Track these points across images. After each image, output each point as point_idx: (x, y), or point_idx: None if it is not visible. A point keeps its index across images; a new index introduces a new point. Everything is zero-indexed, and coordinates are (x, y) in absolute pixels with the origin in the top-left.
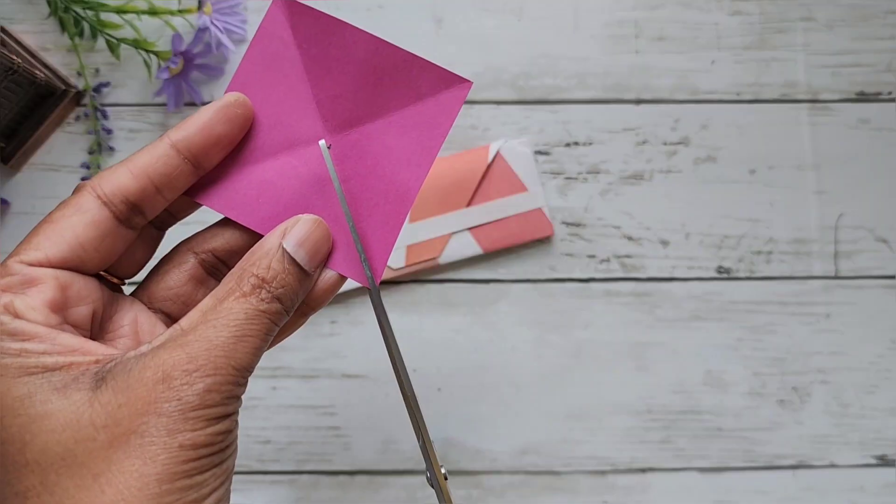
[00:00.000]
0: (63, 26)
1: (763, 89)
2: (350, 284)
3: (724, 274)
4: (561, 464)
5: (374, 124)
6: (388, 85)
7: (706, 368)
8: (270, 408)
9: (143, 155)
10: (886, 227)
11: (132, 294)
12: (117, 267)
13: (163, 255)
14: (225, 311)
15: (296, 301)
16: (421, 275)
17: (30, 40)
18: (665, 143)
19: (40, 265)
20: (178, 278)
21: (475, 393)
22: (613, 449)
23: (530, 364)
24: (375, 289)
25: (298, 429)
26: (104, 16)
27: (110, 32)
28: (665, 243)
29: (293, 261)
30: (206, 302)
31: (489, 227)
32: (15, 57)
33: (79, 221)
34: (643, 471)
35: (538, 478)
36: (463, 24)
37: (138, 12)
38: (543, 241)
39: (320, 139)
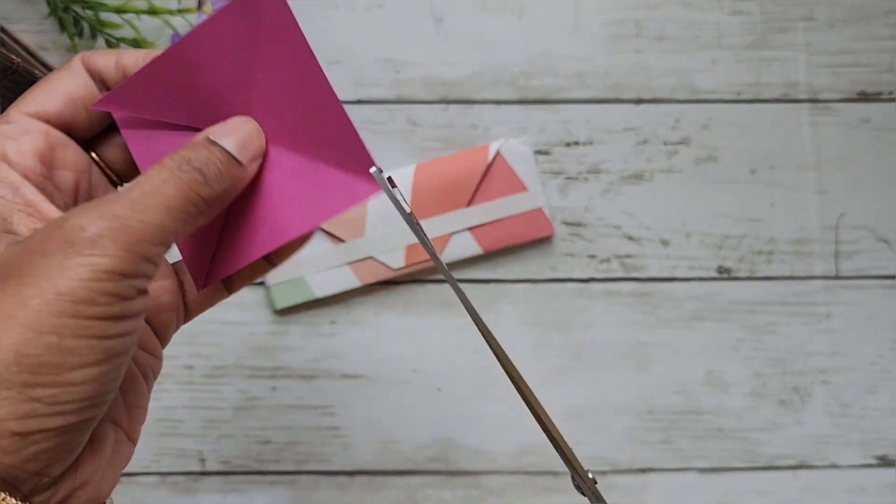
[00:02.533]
0: (62, 26)
1: (764, 89)
2: (350, 284)
3: (724, 274)
4: (561, 464)
5: (257, 97)
6: (226, 59)
7: (707, 369)
8: (270, 408)
9: (129, 54)
10: (887, 227)
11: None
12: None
13: None
14: (144, 178)
15: (220, 180)
16: (421, 275)
17: (29, 40)
18: (665, 143)
19: (37, 116)
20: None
21: (475, 393)
22: (613, 449)
23: (530, 364)
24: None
25: (298, 429)
26: (104, 15)
27: (110, 32)
28: (665, 243)
29: (221, 147)
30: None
31: (489, 227)
32: (14, 56)
33: (72, 81)
34: (643, 471)
35: (538, 478)
36: (463, 24)
37: (138, 12)
38: (544, 241)
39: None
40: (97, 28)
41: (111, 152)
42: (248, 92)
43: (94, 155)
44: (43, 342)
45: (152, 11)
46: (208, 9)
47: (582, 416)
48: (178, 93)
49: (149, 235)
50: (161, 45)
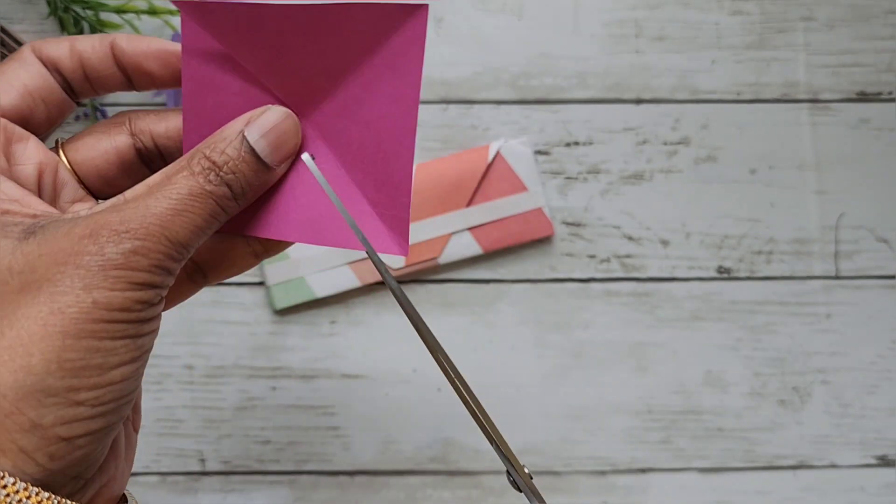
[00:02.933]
0: (62, 26)
1: (763, 89)
2: (350, 284)
3: (724, 274)
4: (561, 464)
5: (338, 95)
6: (336, 46)
7: (706, 368)
8: (270, 408)
9: (85, 40)
10: (887, 227)
11: (54, 148)
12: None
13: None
14: (169, 185)
15: (247, 190)
16: (421, 275)
17: (29, 40)
18: (665, 143)
19: None
20: (105, 149)
21: (475, 393)
22: (613, 449)
23: (530, 364)
24: (381, 269)
25: (298, 429)
26: (104, 15)
27: (110, 32)
28: (665, 243)
29: (252, 150)
30: (154, 177)
31: (489, 227)
32: None
33: (24, 72)
34: (643, 471)
35: (538, 478)
36: (463, 24)
37: (138, 12)
38: (543, 241)
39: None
40: (97, 28)
41: (82, 154)
42: (333, 87)
43: (62, 154)
44: (83, 346)
45: (152, 11)
46: None
47: (581, 416)
48: (268, 45)
49: (175, 251)
50: None
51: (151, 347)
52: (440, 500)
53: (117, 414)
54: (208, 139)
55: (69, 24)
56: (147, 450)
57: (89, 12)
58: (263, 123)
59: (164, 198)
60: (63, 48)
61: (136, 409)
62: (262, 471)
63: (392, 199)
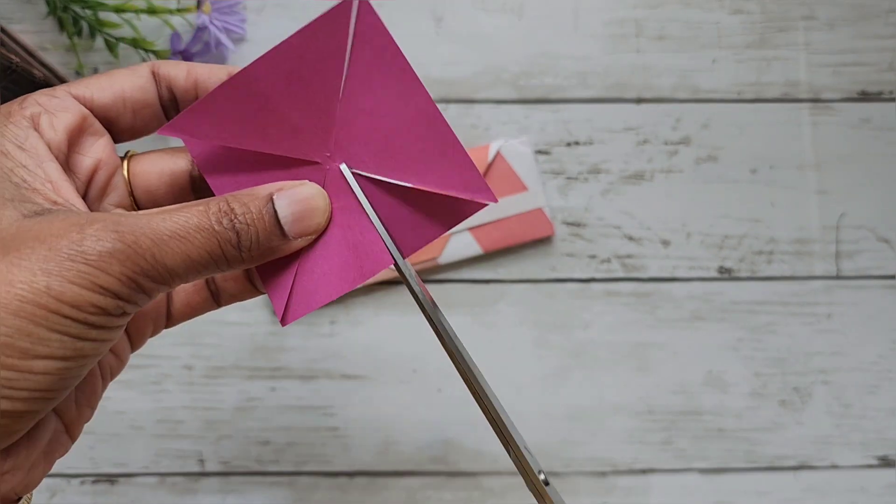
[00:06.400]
0: (62, 25)
1: (764, 88)
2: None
3: (725, 274)
4: (561, 465)
5: (344, 113)
6: (313, 71)
7: (707, 369)
8: (269, 408)
9: (202, 66)
10: (888, 227)
11: (123, 156)
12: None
13: None
14: (180, 212)
15: (254, 246)
16: (421, 275)
17: (28, 39)
18: (666, 143)
19: (82, 101)
20: (161, 168)
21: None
22: (614, 450)
23: (530, 364)
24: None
25: (297, 430)
26: (103, 15)
27: (109, 31)
28: (666, 243)
29: (274, 213)
30: (174, 206)
31: (489, 227)
32: (13, 56)
33: (130, 82)
34: (644, 472)
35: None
36: (463, 24)
37: (137, 11)
38: (544, 241)
39: (323, 160)
40: (96, 28)
41: (142, 170)
42: (334, 109)
43: (125, 163)
44: (15, 325)
45: (152, 11)
46: (207, 8)
47: (582, 416)
48: (253, 117)
49: (156, 274)
50: (160, 45)
51: (93, 356)
52: (440, 501)
53: (29, 404)
54: (238, 192)
55: (68, 23)
56: (146, 450)
57: (88, 12)
58: (294, 194)
59: (169, 220)
60: (181, 69)
61: (80, 415)
62: (261, 472)
63: (454, 165)
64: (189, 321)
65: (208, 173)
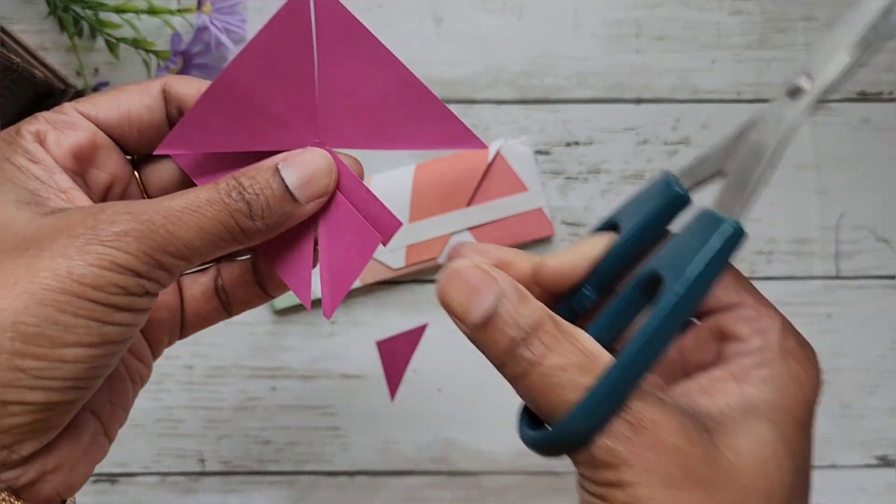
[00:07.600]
0: (62, 26)
1: (764, 89)
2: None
3: None
4: (561, 464)
5: (326, 98)
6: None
7: None
8: (270, 408)
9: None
10: (888, 227)
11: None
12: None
13: None
14: (191, 192)
15: (266, 214)
16: (421, 275)
17: (29, 40)
18: (666, 143)
19: (89, 118)
20: (173, 170)
21: (475, 393)
22: None
23: None
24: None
25: (298, 429)
26: (103, 15)
27: (109, 32)
28: None
29: (281, 181)
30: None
31: (489, 227)
32: (14, 56)
33: (138, 99)
34: None
35: (538, 478)
36: (463, 24)
37: (137, 11)
38: (544, 241)
39: (314, 146)
40: (97, 28)
41: (156, 176)
42: (312, 101)
43: (136, 173)
44: (42, 313)
45: (152, 11)
46: (208, 8)
47: None
48: (239, 120)
49: (172, 247)
50: (161, 46)
51: (121, 341)
52: (440, 500)
53: (63, 394)
54: (245, 168)
55: (68, 23)
56: (147, 450)
57: (89, 12)
58: (299, 161)
59: (181, 198)
60: (192, 87)
61: (115, 417)
62: (261, 471)
63: (439, 121)
64: (185, 337)
65: (202, 182)
